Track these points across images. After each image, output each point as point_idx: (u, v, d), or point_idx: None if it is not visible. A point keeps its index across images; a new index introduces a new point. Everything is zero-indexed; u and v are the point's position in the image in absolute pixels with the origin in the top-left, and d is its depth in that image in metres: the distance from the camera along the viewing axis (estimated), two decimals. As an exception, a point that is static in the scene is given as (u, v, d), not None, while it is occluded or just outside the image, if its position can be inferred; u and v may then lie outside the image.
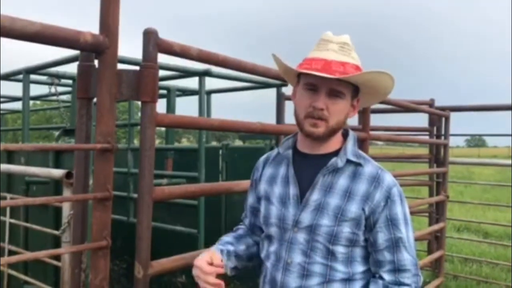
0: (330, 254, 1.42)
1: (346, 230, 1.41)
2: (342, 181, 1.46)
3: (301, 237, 1.46)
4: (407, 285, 1.39)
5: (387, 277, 1.40)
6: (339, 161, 1.46)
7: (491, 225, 7.77)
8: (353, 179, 1.45)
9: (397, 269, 1.40)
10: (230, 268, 1.57)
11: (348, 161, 1.47)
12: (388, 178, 1.46)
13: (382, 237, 1.41)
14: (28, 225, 3.09)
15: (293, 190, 1.51)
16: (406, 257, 1.40)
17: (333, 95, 1.43)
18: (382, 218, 1.41)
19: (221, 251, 1.55)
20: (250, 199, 1.70)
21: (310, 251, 1.44)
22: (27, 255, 1.97)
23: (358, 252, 1.44)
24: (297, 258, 1.46)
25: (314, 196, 1.46)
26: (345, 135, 1.55)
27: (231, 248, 1.58)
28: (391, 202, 1.42)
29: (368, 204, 1.42)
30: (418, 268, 1.43)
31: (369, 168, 1.47)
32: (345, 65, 1.41)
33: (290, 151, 1.57)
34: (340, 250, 1.42)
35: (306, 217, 1.46)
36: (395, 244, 1.40)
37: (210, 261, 1.45)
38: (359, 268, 1.44)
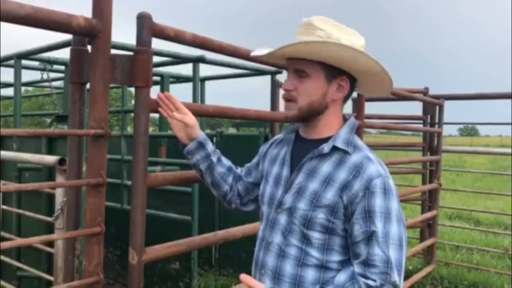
0: (306, 239, 1.42)
1: (320, 216, 1.39)
2: (325, 167, 1.44)
3: (282, 218, 1.47)
4: (373, 280, 1.32)
5: (357, 268, 1.36)
6: (325, 147, 1.45)
7: (482, 213, 7.85)
8: (336, 166, 1.43)
9: (366, 263, 1.34)
10: (202, 157, 1.68)
11: (335, 148, 1.44)
12: (372, 169, 1.38)
13: (358, 229, 1.36)
14: (21, 211, 3.08)
15: (285, 172, 1.52)
16: (377, 253, 1.33)
17: (298, 75, 1.45)
18: (359, 209, 1.36)
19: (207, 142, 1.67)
20: (252, 162, 1.76)
21: (288, 233, 1.45)
22: (20, 241, 1.96)
23: (336, 241, 1.41)
24: (277, 238, 1.47)
25: (298, 179, 1.47)
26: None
27: (218, 155, 1.71)
28: (370, 194, 1.35)
29: (346, 193, 1.38)
30: (391, 267, 1.32)
31: (356, 157, 1.43)
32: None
33: (293, 134, 1.59)
34: (315, 235, 1.40)
35: (288, 199, 1.47)
36: (369, 238, 1.34)
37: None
38: (336, 257, 1.41)
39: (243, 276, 1.43)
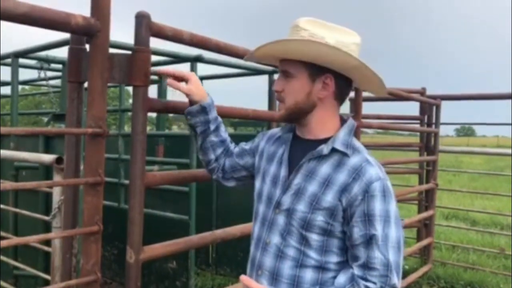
0: (304, 240, 1.42)
1: (319, 218, 1.39)
2: (324, 169, 1.43)
3: (281, 219, 1.47)
4: (373, 283, 1.33)
5: (356, 271, 1.37)
6: (324, 149, 1.44)
7: (479, 213, 7.87)
8: (335, 168, 1.42)
9: (366, 266, 1.35)
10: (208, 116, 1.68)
11: (335, 150, 1.44)
12: (372, 172, 1.38)
13: (357, 232, 1.36)
14: (17, 210, 3.07)
15: (283, 172, 1.51)
16: (377, 256, 1.34)
17: (285, 75, 1.46)
18: (359, 213, 1.36)
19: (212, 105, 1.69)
20: (247, 146, 1.75)
21: (287, 234, 1.45)
22: (17, 240, 1.96)
23: (335, 242, 1.41)
24: (275, 239, 1.47)
25: (296, 180, 1.46)
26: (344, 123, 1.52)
27: (217, 124, 1.72)
28: (370, 197, 1.35)
29: (345, 196, 1.37)
30: (391, 270, 1.34)
31: (355, 159, 1.42)
32: None
33: (290, 134, 1.58)
34: (313, 237, 1.41)
35: (286, 200, 1.46)
36: (368, 241, 1.35)
37: None
38: (334, 258, 1.42)
39: (244, 278, 1.45)
